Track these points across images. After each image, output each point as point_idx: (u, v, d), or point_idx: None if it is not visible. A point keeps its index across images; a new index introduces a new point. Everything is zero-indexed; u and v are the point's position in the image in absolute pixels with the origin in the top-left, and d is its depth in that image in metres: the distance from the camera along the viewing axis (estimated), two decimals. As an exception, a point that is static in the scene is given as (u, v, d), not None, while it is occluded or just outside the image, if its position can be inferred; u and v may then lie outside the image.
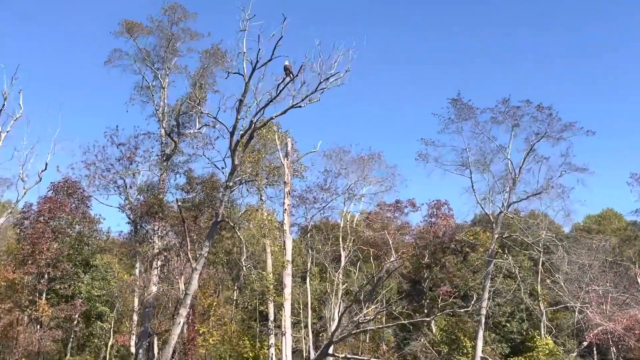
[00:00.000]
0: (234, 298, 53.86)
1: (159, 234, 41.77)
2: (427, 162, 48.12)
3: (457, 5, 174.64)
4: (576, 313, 49.91)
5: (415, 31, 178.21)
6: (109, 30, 48.88)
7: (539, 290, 52.25)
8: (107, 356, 48.83)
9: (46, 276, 44.29)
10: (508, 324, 54.19)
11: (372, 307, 45.41)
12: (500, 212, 45.33)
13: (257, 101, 25.81)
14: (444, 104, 47.87)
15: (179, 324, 27.18)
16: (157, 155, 45.98)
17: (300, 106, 25.16)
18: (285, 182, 36.81)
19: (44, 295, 44.61)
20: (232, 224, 30.69)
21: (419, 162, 48.46)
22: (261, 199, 44.43)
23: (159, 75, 48.62)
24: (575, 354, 48.57)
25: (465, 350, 48.55)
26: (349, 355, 31.93)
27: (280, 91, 25.03)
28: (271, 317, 41.69)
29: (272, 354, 41.27)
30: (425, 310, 53.61)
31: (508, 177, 46.30)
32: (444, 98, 62.55)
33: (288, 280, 37.16)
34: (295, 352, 48.27)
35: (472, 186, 46.67)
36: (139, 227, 44.11)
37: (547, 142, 45.60)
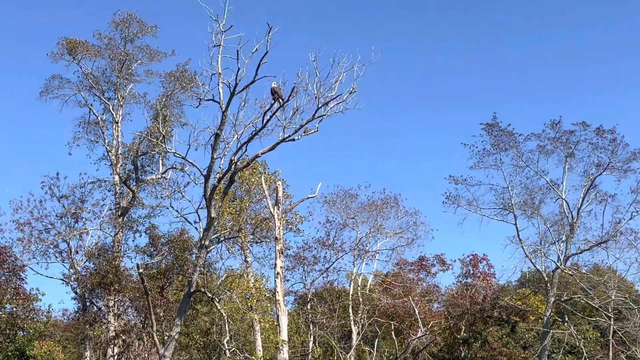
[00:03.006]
0: (214, 392, 53.16)
1: (115, 311, 41.38)
2: (457, 206, 48.47)
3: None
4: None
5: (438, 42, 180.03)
6: (46, 51, 49.09)
7: (611, 368, 51.66)
8: None
9: (-32, 373, 43.74)
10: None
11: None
12: (556, 268, 45.16)
13: (237, 135, 25.96)
14: (477, 131, 48.14)
15: None
16: (110, 210, 45.90)
17: (292, 139, 25.27)
18: (276, 238, 36.55)
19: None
20: (209, 295, 30.42)
21: (448, 207, 48.78)
22: (246, 261, 44.22)
23: (111, 107, 48.90)
24: None
25: None
26: None
27: (267, 121, 25.22)
28: (263, 416, 41.04)
29: None
30: (465, 400, 52.88)
31: (564, 222, 46.35)
32: (475, 125, 62.72)
33: (284, 367, 36.67)
34: None
35: (518, 235, 46.73)
36: (88, 303, 43.67)
37: (611, 176, 45.84)
